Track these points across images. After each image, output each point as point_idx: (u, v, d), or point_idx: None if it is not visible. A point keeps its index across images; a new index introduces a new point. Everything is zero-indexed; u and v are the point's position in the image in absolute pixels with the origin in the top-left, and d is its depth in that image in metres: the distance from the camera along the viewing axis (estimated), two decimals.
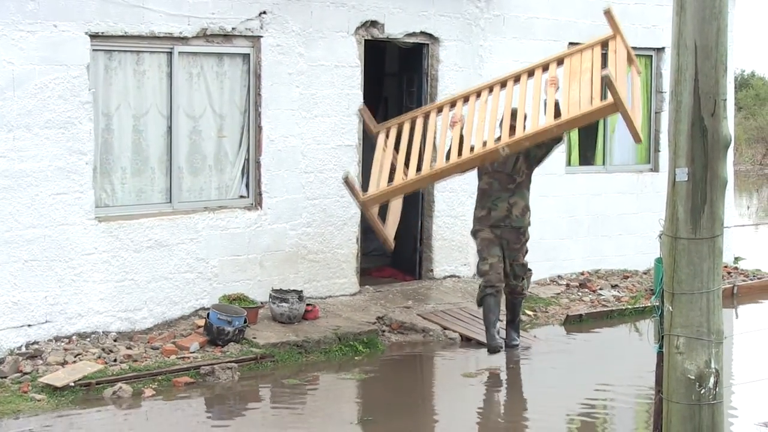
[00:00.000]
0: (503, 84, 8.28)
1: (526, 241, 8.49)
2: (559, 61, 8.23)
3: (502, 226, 8.31)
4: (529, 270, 8.60)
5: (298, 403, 7.52)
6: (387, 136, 8.37)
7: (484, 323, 8.32)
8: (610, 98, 7.45)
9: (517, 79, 8.26)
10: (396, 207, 8.37)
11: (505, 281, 8.41)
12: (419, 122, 8.34)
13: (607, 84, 7.34)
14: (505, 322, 8.70)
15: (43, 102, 7.89)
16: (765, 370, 8.18)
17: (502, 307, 8.45)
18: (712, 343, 4.49)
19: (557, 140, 8.18)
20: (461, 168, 8.00)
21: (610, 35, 8.17)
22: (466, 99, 8.40)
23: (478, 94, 8.32)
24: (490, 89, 8.30)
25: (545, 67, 8.21)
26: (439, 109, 8.45)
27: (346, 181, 7.92)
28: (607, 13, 7.98)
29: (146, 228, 8.50)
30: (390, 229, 8.14)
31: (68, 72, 7.99)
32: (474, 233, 8.46)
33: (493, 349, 8.18)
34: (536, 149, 8.16)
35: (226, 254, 8.96)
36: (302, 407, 7.45)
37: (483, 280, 8.29)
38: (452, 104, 8.39)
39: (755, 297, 11.29)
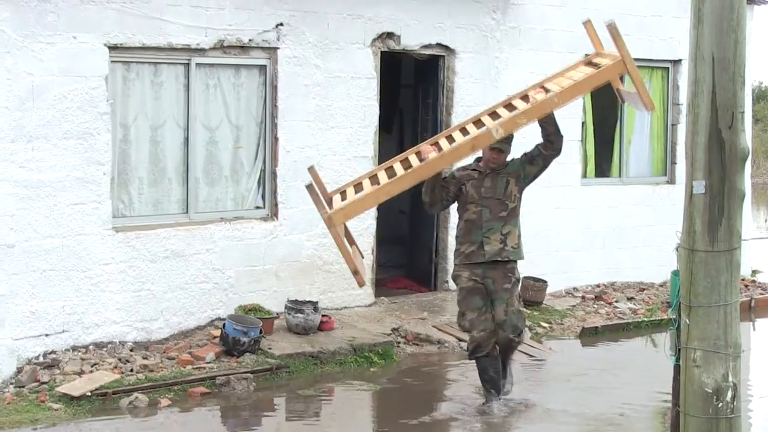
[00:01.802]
0: (477, 123, 6.97)
1: (518, 281, 7.33)
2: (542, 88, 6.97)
3: (494, 263, 7.14)
4: (522, 330, 7.36)
5: (313, 414, 7.52)
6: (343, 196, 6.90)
7: (482, 383, 7.42)
8: (615, 56, 6.45)
9: (494, 114, 6.94)
10: (360, 258, 7.07)
11: (498, 333, 7.21)
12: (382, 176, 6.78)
13: (612, 33, 6.32)
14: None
15: (61, 113, 7.94)
16: None
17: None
18: (729, 356, 4.47)
19: (556, 154, 7.20)
20: (448, 160, 6.68)
21: (592, 54, 7.13)
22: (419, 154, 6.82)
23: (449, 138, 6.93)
24: (463, 130, 6.96)
25: (524, 97, 6.96)
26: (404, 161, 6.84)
27: (310, 190, 6.48)
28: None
29: (163, 238, 8.53)
30: (358, 261, 6.74)
31: (87, 83, 8.05)
32: (455, 278, 7.40)
33: (488, 402, 7.37)
34: (529, 166, 7.22)
35: (242, 265, 8.97)
36: (317, 418, 7.46)
37: (469, 340, 7.33)
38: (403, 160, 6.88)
39: None
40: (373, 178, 6.85)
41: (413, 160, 6.78)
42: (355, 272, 6.46)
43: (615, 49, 6.68)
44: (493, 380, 7.33)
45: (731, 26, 4.40)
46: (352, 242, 7.07)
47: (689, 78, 4.52)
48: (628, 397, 7.82)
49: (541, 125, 7.09)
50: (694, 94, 4.48)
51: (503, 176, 7.21)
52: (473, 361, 7.41)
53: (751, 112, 12.81)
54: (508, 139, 7.08)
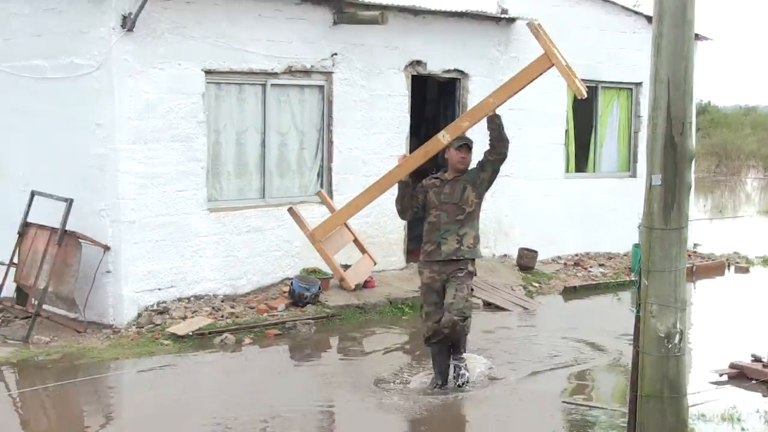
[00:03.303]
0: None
1: (470, 274, 6.10)
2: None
3: (449, 261, 6.06)
4: (468, 317, 6.07)
5: (359, 350, 7.58)
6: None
7: (432, 367, 6.33)
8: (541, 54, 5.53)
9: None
10: (366, 264, 6.38)
11: (444, 314, 6.04)
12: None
13: (532, 31, 5.51)
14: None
15: (170, 122, 8.02)
16: (716, 330, 8.08)
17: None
18: (677, 309, 4.46)
19: (500, 158, 6.07)
20: (405, 169, 5.93)
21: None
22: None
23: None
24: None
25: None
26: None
27: (292, 213, 5.94)
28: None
29: (245, 217, 8.60)
30: (353, 275, 5.98)
31: (188, 99, 8.11)
32: (419, 273, 6.29)
33: (433, 384, 6.24)
34: (482, 173, 6.11)
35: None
36: (363, 352, 7.51)
37: (426, 329, 6.21)
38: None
39: (709, 274, 11.15)
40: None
41: None
42: (341, 279, 5.81)
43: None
44: (441, 368, 6.25)
45: (683, 55, 4.37)
46: (363, 250, 6.64)
47: (650, 96, 4.49)
48: (598, 338, 7.77)
49: (488, 129, 6.04)
50: (653, 108, 4.45)
51: (461, 183, 6.12)
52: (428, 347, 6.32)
53: (695, 122, 12.66)
54: (467, 146, 6.12)
